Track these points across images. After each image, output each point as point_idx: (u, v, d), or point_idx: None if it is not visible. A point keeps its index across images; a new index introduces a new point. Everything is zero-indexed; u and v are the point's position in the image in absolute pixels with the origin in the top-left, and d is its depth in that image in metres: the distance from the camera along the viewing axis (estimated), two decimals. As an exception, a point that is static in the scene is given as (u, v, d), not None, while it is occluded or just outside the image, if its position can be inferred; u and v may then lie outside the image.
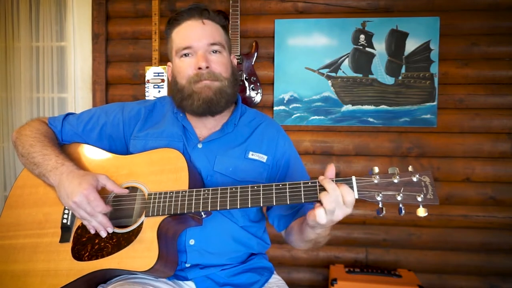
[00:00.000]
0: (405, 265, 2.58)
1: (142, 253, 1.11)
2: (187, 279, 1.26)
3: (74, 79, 2.81)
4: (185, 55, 1.28)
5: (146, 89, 2.55)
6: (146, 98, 2.55)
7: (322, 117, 2.62)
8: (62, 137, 1.40)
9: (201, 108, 1.27)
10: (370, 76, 2.59)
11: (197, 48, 1.26)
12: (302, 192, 1.05)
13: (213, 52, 1.28)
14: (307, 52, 2.62)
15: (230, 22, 2.49)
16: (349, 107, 2.60)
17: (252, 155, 1.32)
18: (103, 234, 1.16)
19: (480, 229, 2.54)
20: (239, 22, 2.51)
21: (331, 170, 1.04)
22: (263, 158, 1.32)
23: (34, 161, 1.26)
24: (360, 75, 2.60)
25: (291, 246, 2.61)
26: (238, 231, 1.30)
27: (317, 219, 1.00)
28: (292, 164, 1.37)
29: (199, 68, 1.25)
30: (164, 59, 2.64)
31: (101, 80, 2.77)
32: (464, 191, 2.54)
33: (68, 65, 2.82)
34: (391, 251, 2.61)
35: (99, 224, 1.15)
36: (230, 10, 2.50)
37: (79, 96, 2.80)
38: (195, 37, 1.26)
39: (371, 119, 2.59)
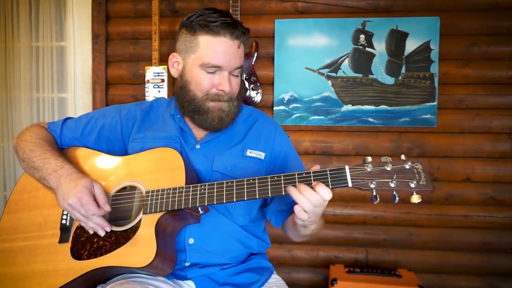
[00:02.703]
0: (405, 265, 2.58)
1: (140, 249, 1.12)
2: (186, 279, 1.26)
3: (74, 79, 2.81)
4: (210, 71, 1.25)
5: (146, 89, 2.55)
6: (146, 98, 2.55)
7: (322, 117, 2.62)
8: (61, 141, 1.41)
9: (212, 127, 1.29)
10: (370, 76, 2.59)
11: (225, 69, 1.24)
12: (297, 183, 1.06)
13: (234, 74, 1.28)
14: (307, 52, 2.62)
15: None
16: (349, 107, 2.60)
17: (250, 153, 1.32)
18: (101, 234, 1.17)
19: (480, 229, 2.54)
20: (239, 22, 2.50)
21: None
22: (261, 155, 1.33)
23: (34, 165, 1.27)
24: (360, 75, 2.60)
25: (291, 246, 2.62)
26: (238, 231, 1.30)
27: (297, 216, 1.06)
28: (291, 160, 1.37)
29: (221, 90, 1.25)
30: (164, 59, 2.64)
31: (101, 80, 2.77)
32: (464, 191, 2.54)
33: (68, 65, 2.82)
34: (391, 251, 2.61)
35: (96, 225, 1.17)
36: (230, 10, 2.50)
37: (79, 96, 2.80)
38: (228, 59, 1.23)
39: (371, 119, 2.59)
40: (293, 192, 1.04)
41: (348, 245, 2.65)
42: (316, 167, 1.07)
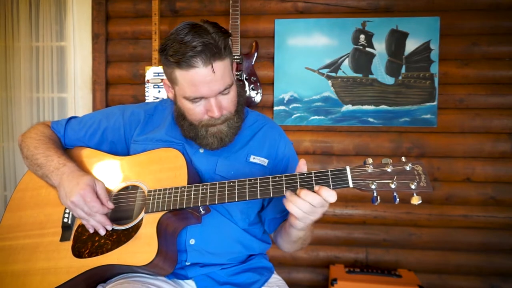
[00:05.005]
0: (405, 265, 2.58)
1: (141, 248, 1.11)
2: (187, 278, 1.26)
3: (74, 79, 2.81)
4: (196, 101, 1.20)
5: (146, 89, 2.55)
6: (146, 98, 2.55)
7: (322, 117, 2.62)
8: (65, 141, 1.41)
9: (215, 147, 1.27)
10: (370, 76, 2.59)
11: (208, 96, 1.18)
12: (298, 184, 1.06)
13: (223, 93, 1.21)
14: (307, 52, 2.62)
15: (230, 22, 2.49)
16: (349, 107, 2.60)
17: (254, 159, 1.32)
18: (102, 233, 1.17)
19: (480, 229, 2.54)
20: (239, 22, 2.50)
21: (302, 166, 1.09)
22: (264, 161, 1.33)
23: (37, 162, 1.28)
24: (360, 75, 2.60)
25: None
26: (239, 232, 1.30)
27: (291, 218, 1.10)
28: (290, 166, 1.37)
29: (211, 116, 1.21)
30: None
31: (101, 80, 2.77)
32: (464, 191, 2.54)
33: (68, 65, 2.82)
34: (391, 251, 2.61)
35: (97, 223, 1.17)
36: (230, 10, 2.50)
37: (79, 96, 2.80)
38: (207, 88, 1.16)
39: (371, 119, 2.59)
40: (287, 197, 1.06)
41: (348, 245, 2.65)
42: (302, 164, 1.09)
